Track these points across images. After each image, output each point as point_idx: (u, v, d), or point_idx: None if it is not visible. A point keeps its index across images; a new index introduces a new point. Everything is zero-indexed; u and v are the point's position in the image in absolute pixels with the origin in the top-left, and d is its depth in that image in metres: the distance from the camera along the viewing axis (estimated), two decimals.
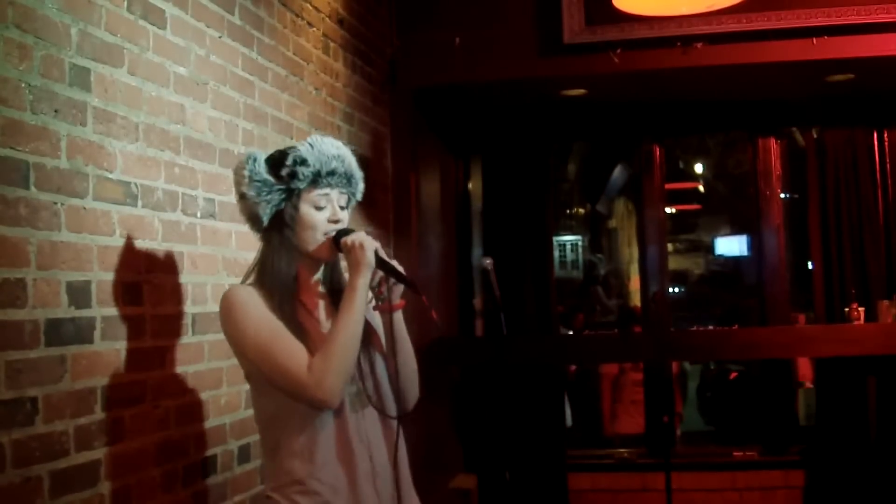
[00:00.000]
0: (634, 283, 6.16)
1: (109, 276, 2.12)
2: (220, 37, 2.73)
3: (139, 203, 2.26)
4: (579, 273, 10.63)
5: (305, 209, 2.00)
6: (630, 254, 10.14)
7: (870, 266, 5.03)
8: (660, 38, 4.19)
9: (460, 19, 4.39)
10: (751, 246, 8.60)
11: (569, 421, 5.94)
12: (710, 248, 12.44)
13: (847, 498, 4.90)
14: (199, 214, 2.56)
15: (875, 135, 5.10)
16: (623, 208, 11.44)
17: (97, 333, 2.06)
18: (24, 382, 1.82)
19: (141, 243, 2.26)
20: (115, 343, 2.13)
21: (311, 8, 3.48)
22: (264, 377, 1.94)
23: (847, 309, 4.86)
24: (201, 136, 2.60)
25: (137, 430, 2.20)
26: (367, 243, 1.95)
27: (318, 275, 2.08)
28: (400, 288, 2.04)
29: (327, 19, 3.65)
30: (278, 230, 2.01)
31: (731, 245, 12.10)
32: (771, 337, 4.92)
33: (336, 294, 2.05)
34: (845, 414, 5.01)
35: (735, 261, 11.78)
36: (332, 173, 2.02)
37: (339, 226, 2.02)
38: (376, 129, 4.15)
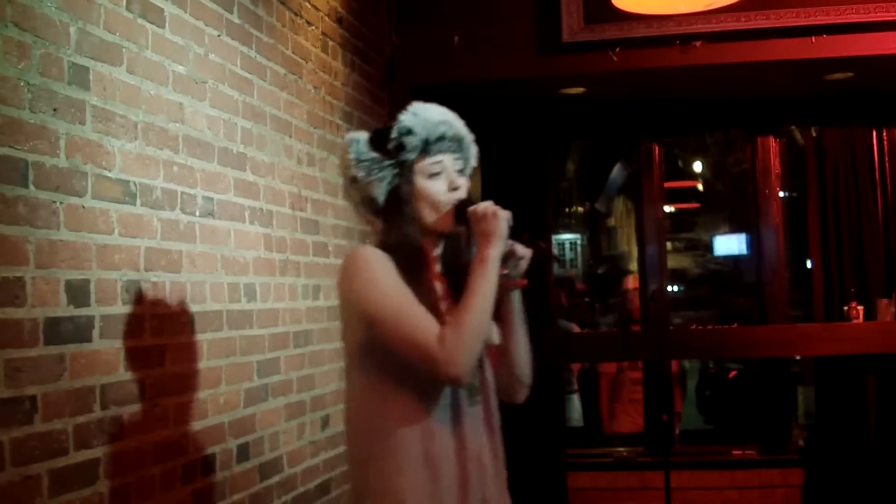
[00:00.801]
0: (630, 282, 6.14)
1: (108, 275, 2.12)
2: (218, 35, 2.73)
3: (138, 202, 2.26)
4: (578, 272, 10.62)
5: (421, 181, 1.91)
6: (629, 252, 10.14)
7: (869, 264, 5.03)
8: (659, 36, 4.19)
9: (459, 18, 4.39)
10: (750, 244, 8.60)
11: (579, 421, 5.95)
12: (709, 246, 12.44)
13: (846, 496, 4.90)
14: (197, 213, 2.56)
15: (874, 133, 5.10)
16: (622, 207, 11.45)
17: (96, 332, 2.06)
18: (23, 381, 1.82)
19: (140, 242, 2.26)
20: (113, 342, 2.13)
21: (309, 6, 3.48)
22: (388, 345, 1.81)
23: (846, 307, 4.86)
24: (200, 135, 2.59)
25: (136, 429, 2.20)
26: (501, 212, 1.85)
27: (438, 250, 1.97)
28: (524, 264, 1.93)
29: (326, 18, 3.65)
30: (396, 208, 1.92)
31: (730, 244, 12.09)
32: (770, 335, 4.93)
33: (453, 273, 1.95)
34: (844, 412, 5.01)
35: (734, 259, 11.78)
36: (440, 138, 1.92)
37: (459, 193, 1.93)
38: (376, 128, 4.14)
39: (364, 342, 1.88)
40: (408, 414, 1.84)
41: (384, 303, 1.81)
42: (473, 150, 2.00)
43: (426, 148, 1.91)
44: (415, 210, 1.91)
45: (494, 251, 1.83)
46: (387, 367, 1.85)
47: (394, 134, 1.91)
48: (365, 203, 1.97)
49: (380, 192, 1.92)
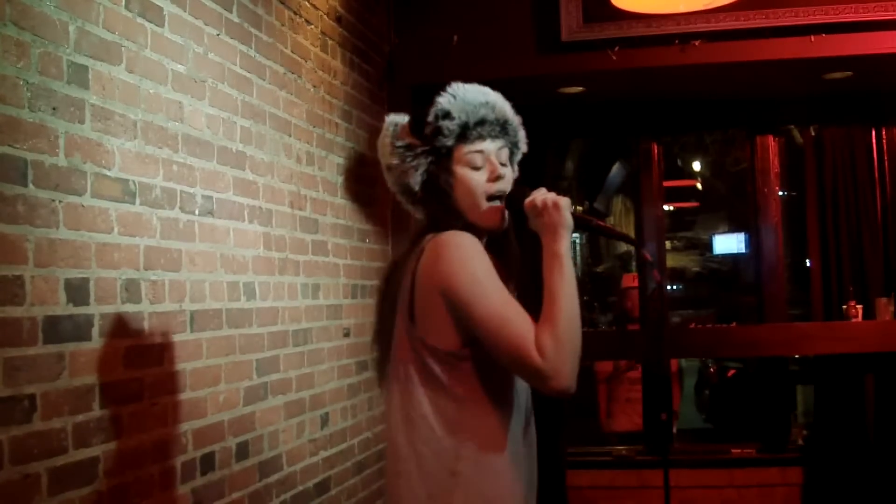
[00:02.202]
0: (626, 281, 6.13)
1: (108, 274, 2.12)
2: (218, 34, 2.73)
3: (137, 200, 2.26)
4: (578, 270, 10.63)
5: (460, 171, 1.75)
6: (631, 252, 10.14)
7: (868, 263, 5.03)
8: (658, 35, 4.19)
9: (458, 17, 4.39)
10: (749, 243, 8.61)
11: None
12: (708, 245, 12.46)
13: (845, 495, 4.90)
14: (197, 212, 2.56)
15: (873, 132, 5.10)
16: (621, 206, 11.45)
17: (95, 331, 2.06)
18: (23, 380, 1.82)
19: (139, 241, 2.26)
20: (113, 340, 2.13)
21: (309, 6, 3.48)
22: (488, 347, 1.65)
23: (845, 306, 4.86)
24: (199, 134, 2.60)
25: (135, 428, 2.20)
26: (563, 201, 1.70)
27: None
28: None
29: (325, 17, 3.65)
30: (437, 200, 1.77)
31: (728, 242, 12.11)
32: (769, 334, 4.93)
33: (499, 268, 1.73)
34: (843, 411, 5.01)
35: (733, 258, 11.80)
36: (481, 122, 1.75)
37: (502, 184, 1.76)
38: (374, 127, 4.14)
39: (465, 344, 1.69)
40: (501, 419, 1.71)
41: (486, 304, 1.63)
42: (522, 135, 1.85)
43: (465, 133, 1.75)
44: (456, 203, 1.76)
45: (564, 245, 1.68)
46: (489, 373, 1.70)
47: (430, 117, 1.76)
48: (402, 192, 1.84)
49: (416, 180, 1.78)
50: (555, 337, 1.60)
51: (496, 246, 1.81)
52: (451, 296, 1.65)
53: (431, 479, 1.69)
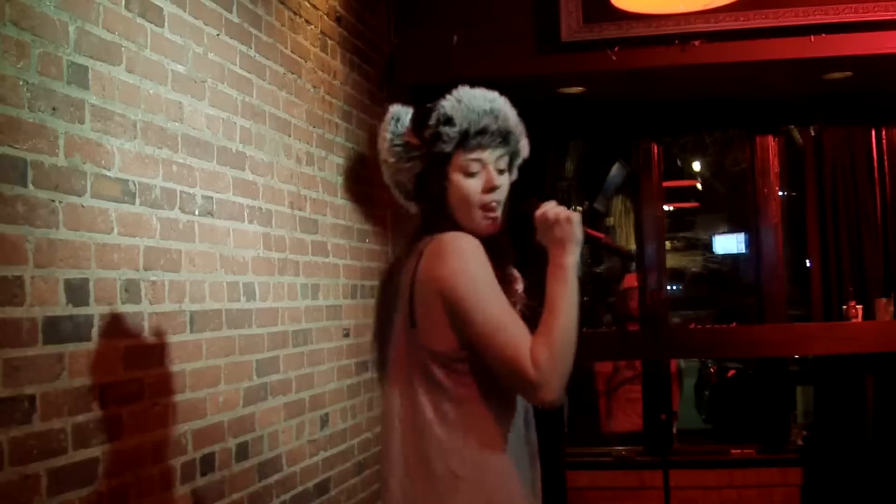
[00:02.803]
0: (626, 282, 6.12)
1: (107, 274, 2.12)
2: (218, 35, 2.73)
3: (137, 201, 2.26)
4: (578, 270, 10.59)
5: (456, 177, 1.73)
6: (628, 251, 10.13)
7: (867, 264, 5.03)
8: (657, 35, 4.19)
9: (458, 17, 4.39)
10: (748, 244, 8.61)
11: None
12: (708, 245, 12.46)
13: (845, 495, 4.90)
14: (196, 212, 2.56)
15: (873, 133, 5.10)
16: (621, 206, 11.45)
17: (95, 331, 2.06)
18: (22, 380, 1.82)
19: (139, 241, 2.26)
20: (112, 341, 2.13)
21: (308, 6, 3.48)
22: (480, 351, 1.64)
23: (845, 307, 4.86)
24: (199, 134, 2.59)
25: (135, 428, 2.20)
26: (574, 216, 1.69)
27: None
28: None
29: (325, 17, 3.65)
30: (431, 201, 1.76)
31: (728, 243, 12.12)
32: (768, 335, 4.93)
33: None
34: (843, 412, 5.01)
35: (733, 258, 11.80)
36: (482, 132, 1.72)
37: (496, 195, 1.74)
38: (374, 127, 4.14)
39: (463, 346, 1.68)
40: (502, 421, 1.71)
41: (483, 309, 1.63)
42: (524, 143, 1.82)
43: (465, 141, 1.73)
44: (449, 209, 1.75)
45: (572, 259, 1.68)
46: (486, 374, 1.68)
47: (431, 120, 1.73)
48: (396, 186, 1.84)
49: (408, 179, 1.78)
50: (550, 349, 1.61)
51: (490, 244, 1.77)
52: (449, 298, 1.65)
53: (433, 482, 1.68)
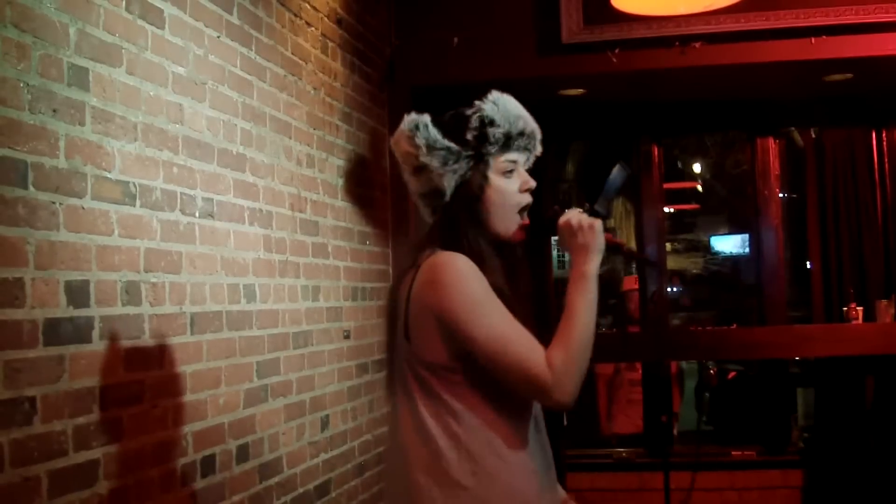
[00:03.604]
0: (627, 283, 6.13)
1: (108, 276, 2.12)
2: (218, 37, 2.73)
3: (137, 203, 2.26)
4: None
5: (496, 179, 1.77)
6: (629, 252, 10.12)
7: (868, 266, 5.03)
8: (658, 37, 4.19)
9: (459, 19, 4.39)
10: (749, 245, 8.60)
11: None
12: (709, 247, 12.45)
13: (846, 497, 4.90)
14: (197, 214, 2.56)
15: (873, 134, 5.11)
16: (621, 208, 11.44)
17: (95, 333, 2.06)
18: (23, 382, 1.82)
19: (139, 243, 2.26)
20: (113, 343, 2.13)
21: (309, 8, 3.48)
22: (487, 367, 1.66)
23: (845, 308, 4.87)
24: (199, 136, 2.59)
25: (136, 430, 2.20)
26: (597, 224, 1.75)
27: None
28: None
29: (326, 19, 3.65)
30: (465, 205, 1.76)
31: (729, 245, 12.11)
32: (769, 336, 4.93)
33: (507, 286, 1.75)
34: (844, 413, 5.01)
35: (733, 260, 11.79)
36: (521, 134, 1.78)
37: (528, 198, 1.79)
38: (375, 129, 4.14)
39: (456, 358, 1.69)
40: (504, 428, 1.71)
41: (487, 325, 1.64)
42: (539, 150, 1.87)
43: (507, 143, 1.77)
44: (484, 211, 1.77)
45: (593, 266, 1.73)
46: (483, 382, 1.69)
47: (474, 122, 1.76)
48: (429, 194, 1.81)
49: (449, 184, 1.77)
50: (566, 352, 1.64)
51: (505, 252, 1.81)
52: (447, 320, 1.66)
53: (441, 493, 1.68)
